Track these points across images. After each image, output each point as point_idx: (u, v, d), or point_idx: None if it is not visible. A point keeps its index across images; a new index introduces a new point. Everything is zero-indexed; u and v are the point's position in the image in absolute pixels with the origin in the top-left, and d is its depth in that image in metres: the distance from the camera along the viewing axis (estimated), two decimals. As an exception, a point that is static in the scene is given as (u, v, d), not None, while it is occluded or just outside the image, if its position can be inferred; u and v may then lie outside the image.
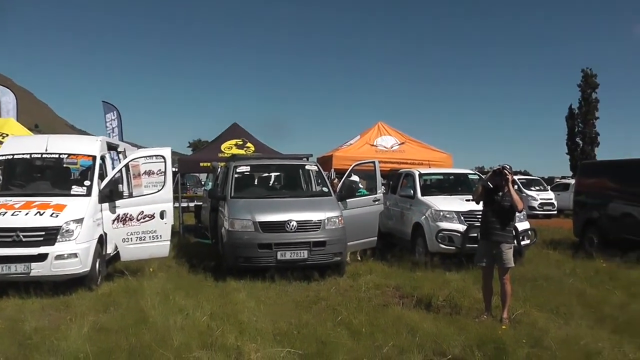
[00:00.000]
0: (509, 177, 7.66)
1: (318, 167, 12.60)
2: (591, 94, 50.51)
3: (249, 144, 17.36)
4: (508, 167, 7.74)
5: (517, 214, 11.90)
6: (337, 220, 10.62)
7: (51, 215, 8.96)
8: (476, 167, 60.41)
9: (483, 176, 11.62)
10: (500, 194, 7.67)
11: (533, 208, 27.62)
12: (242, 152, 16.73)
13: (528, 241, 11.94)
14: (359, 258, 12.54)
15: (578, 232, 15.37)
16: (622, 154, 73.92)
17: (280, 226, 10.26)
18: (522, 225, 11.70)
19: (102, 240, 9.71)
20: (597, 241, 14.12)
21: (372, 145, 17.72)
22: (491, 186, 7.79)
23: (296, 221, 10.30)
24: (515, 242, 10.04)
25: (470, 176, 14.45)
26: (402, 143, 17.99)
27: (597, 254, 12.78)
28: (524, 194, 27.92)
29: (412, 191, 13.16)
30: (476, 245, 8.69)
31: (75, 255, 8.87)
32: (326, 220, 10.50)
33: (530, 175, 36.71)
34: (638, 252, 11.71)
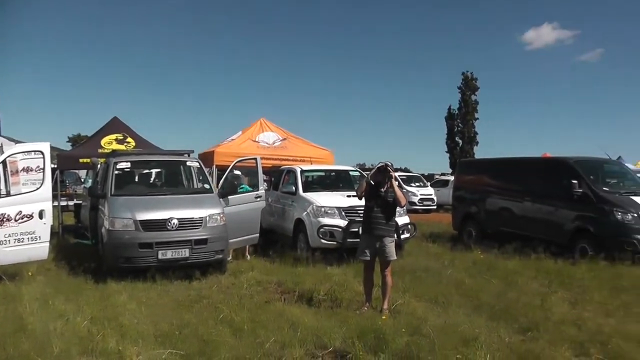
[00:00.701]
0: (392, 173, 7.88)
1: (199, 164, 12.38)
2: (471, 96, 52.90)
3: (129, 139, 16.80)
4: (390, 164, 7.93)
5: (398, 209, 12.22)
6: (218, 218, 10.46)
7: None
8: (358, 164, 61.66)
9: (365, 173, 11.83)
10: (383, 189, 7.83)
11: (413, 203, 28.72)
12: (122, 147, 16.14)
13: (408, 235, 12.32)
14: (249, 257, 12.38)
15: (457, 225, 16.15)
16: (499, 152, 78.12)
17: (162, 224, 9.97)
18: (402, 219, 12.02)
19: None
20: (476, 234, 15.07)
21: (254, 141, 17.56)
22: (372, 183, 7.93)
23: (177, 219, 10.04)
24: (395, 235, 10.46)
25: (351, 173, 14.69)
26: (284, 139, 17.98)
27: (475, 246, 13.47)
28: (405, 190, 28.93)
29: (294, 187, 13.17)
30: (357, 240, 8.87)
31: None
32: (208, 218, 10.31)
33: (411, 172, 37.91)
34: (514, 243, 12.42)
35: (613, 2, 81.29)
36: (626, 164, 27.22)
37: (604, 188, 12.47)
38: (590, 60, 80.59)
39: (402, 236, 11.70)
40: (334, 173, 15.07)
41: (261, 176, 12.36)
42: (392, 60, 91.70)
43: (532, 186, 13.63)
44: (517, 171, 14.51)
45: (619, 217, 11.52)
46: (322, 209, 11.80)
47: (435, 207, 29.41)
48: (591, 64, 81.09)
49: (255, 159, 12.50)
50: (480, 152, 52.04)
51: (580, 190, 12.09)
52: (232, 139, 17.88)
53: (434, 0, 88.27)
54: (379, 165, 7.96)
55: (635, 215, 11.50)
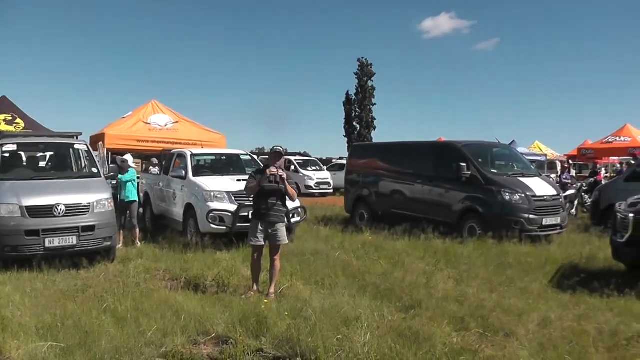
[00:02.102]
0: (281, 174, 7.83)
1: (87, 147, 11.94)
2: (367, 82, 53.67)
3: (18, 120, 16.22)
4: (282, 149, 8.00)
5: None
6: (106, 203, 10.09)
7: None
8: (257, 149, 61.53)
9: (263, 158, 11.70)
10: (275, 175, 7.80)
11: (310, 187, 29.12)
12: (11, 128, 15.62)
13: (298, 218, 12.34)
14: (139, 244, 12.04)
15: (349, 208, 16.51)
16: (397, 137, 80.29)
17: (48, 210, 9.50)
18: (293, 203, 12.01)
19: None
20: (367, 216, 15.46)
21: (146, 123, 17.28)
22: (262, 165, 8.01)
23: (64, 205, 9.58)
24: (286, 220, 10.48)
25: (242, 157, 14.59)
26: (176, 122, 17.75)
27: (366, 228, 13.86)
28: (301, 174, 29.14)
29: (184, 172, 12.91)
30: (247, 225, 8.94)
31: None
32: (95, 203, 9.91)
33: (310, 156, 38.18)
34: (405, 225, 12.92)
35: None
36: (520, 148, 28.77)
37: (492, 170, 13.16)
38: (486, 49, 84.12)
39: (293, 220, 11.72)
40: (224, 157, 14.93)
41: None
42: (291, 46, 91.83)
43: (423, 169, 14.13)
44: (409, 155, 14.98)
45: (507, 197, 12.17)
46: (212, 194, 11.63)
47: (331, 190, 29.70)
48: (487, 53, 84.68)
49: None
50: (378, 136, 53.09)
51: (469, 173, 12.71)
52: (124, 118, 17.46)
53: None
54: (275, 150, 8.00)
55: (523, 195, 12.17)
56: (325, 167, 32.71)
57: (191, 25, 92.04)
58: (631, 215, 8.09)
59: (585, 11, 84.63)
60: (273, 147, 8.02)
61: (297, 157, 32.94)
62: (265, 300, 7.04)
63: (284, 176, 7.81)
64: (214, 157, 15.05)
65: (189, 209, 12.23)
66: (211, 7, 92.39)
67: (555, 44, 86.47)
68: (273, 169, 7.74)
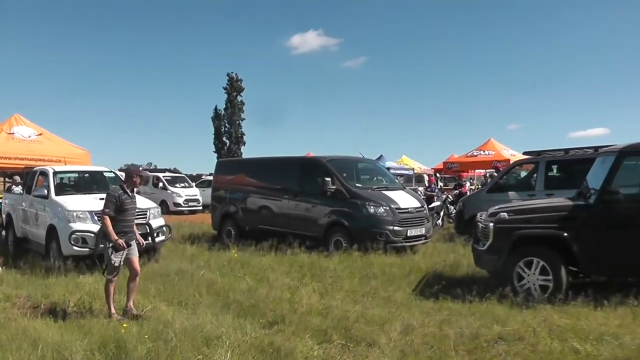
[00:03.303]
0: (137, 180, 7.97)
1: None
2: (236, 97, 53.67)
3: None
4: (136, 168, 8.16)
5: (152, 209, 11.97)
6: None
7: None
8: (126, 165, 59.66)
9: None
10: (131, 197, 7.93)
11: (178, 204, 28.77)
12: None
13: (163, 237, 12.07)
14: (0, 269, 11.23)
15: (216, 225, 16.39)
16: (266, 152, 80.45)
17: None
18: (157, 221, 11.89)
19: None
20: (235, 233, 15.42)
21: (9, 133, 16.35)
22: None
23: None
24: (150, 239, 10.53)
25: (105, 174, 14.07)
26: (40, 134, 16.90)
27: (233, 245, 13.83)
28: (169, 191, 28.59)
29: (46, 191, 12.25)
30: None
31: None
32: None
33: (179, 173, 37.63)
34: (271, 240, 13.02)
35: (375, 15, 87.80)
36: (387, 162, 29.63)
37: (357, 184, 13.62)
38: (353, 66, 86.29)
39: (157, 239, 11.48)
40: (87, 174, 14.35)
41: None
42: (160, 59, 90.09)
43: (289, 184, 14.33)
44: (275, 170, 15.14)
45: (371, 210, 12.55)
46: (74, 213, 11.14)
47: (200, 207, 29.25)
48: (355, 70, 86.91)
49: None
50: (248, 152, 53.22)
51: (334, 187, 13.02)
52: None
53: (199, 3, 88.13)
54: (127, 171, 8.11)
55: (387, 208, 12.59)
56: (194, 184, 32.25)
57: (61, 40, 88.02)
58: (491, 224, 8.48)
59: (448, 32, 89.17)
60: (128, 167, 7.87)
61: (166, 174, 32.29)
62: (125, 325, 6.82)
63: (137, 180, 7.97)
64: (77, 175, 14.47)
65: (51, 230, 11.62)
66: (79, 24, 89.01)
67: (420, 63, 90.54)
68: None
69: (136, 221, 8.23)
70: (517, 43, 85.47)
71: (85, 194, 12.45)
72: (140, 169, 8.08)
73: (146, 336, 6.33)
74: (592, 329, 6.37)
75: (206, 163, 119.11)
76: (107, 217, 7.70)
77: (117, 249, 7.60)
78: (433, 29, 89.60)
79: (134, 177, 7.97)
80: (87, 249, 10.88)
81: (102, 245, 8.76)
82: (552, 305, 7.48)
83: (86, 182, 13.92)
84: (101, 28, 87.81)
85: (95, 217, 11.06)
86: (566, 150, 13.95)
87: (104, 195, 11.09)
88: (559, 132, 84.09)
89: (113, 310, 7.68)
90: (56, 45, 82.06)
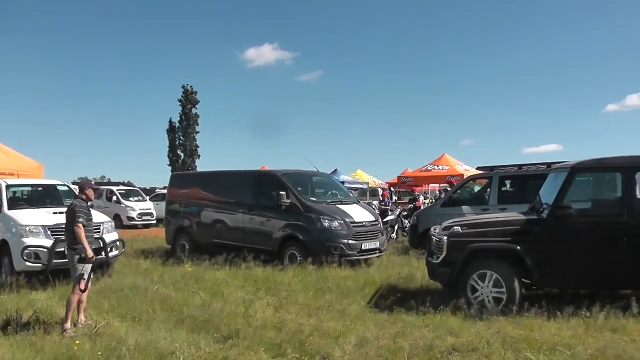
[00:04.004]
0: (90, 193, 8.08)
1: None
2: (192, 110, 53.32)
3: None
4: (87, 182, 8.42)
5: (106, 223, 11.80)
6: None
7: None
8: (80, 178, 58.69)
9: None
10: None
11: (132, 219, 28.27)
12: None
13: (117, 252, 11.85)
14: None
15: (171, 240, 16.14)
16: (221, 165, 79.46)
17: None
18: (111, 236, 11.66)
19: None
20: (189, 247, 15.25)
21: None
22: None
23: None
24: (104, 254, 10.24)
25: (59, 188, 13.80)
26: (-9, 147, 16.45)
27: (187, 259, 13.66)
28: (123, 205, 28.18)
29: None
30: (64, 261, 8.77)
31: None
32: None
33: (134, 186, 37.15)
34: (225, 255, 12.93)
35: (331, 29, 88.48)
36: (342, 176, 29.73)
37: (312, 198, 13.59)
38: (309, 80, 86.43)
39: (111, 254, 11.25)
40: (41, 188, 14.05)
41: None
42: (112, 72, 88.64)
43: (244, 198, 14.26)
44: (230, 184, 15.06)
45: (326, 224, 12.57)
46: (27, 228, 10.85)
47: (155, 221, 28.85)
48: (310, 84, 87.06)
49: None
50: (203, 165, 52.77)
51: (289, 201, 13.01)
52: None
53: (153, 11, 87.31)
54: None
55: (342, 222, 12.62)
56: (148, 198, 31.85)
57: (13, 51, 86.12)
58: (445, 238, 8.56)
59: (404, 48, 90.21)
60: (81, 181, 7.84)
61: (120, 187, 31.85)
62: (78, 342, 6.72)
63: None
64: (30, 188, 14.18)
65: (4, 245, 11.28)
66: (30, 34, 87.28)
67: (376, 78, 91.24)
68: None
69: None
70: (472, 60, 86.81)
71: (38, 208, 12.16)
72: (93, 182, 8.01)
73: (99, 353, 6.30)
74: (546, 340, 6.48)
75: (161, 176, 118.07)
76: (81, 228, 7.66)
77: (88, 261, 7.57)
78: (388, 45, 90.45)
79: (87, 190, 8.00)
80: (40, 265, 10.61)
81: (65, 260, 8.68)
82: (505, 317, 7.60)
83: (40, 196, 13.65)
84: (54, 38, 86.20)
85: (49, 232, 10.85)
86: (519, 166, 14.24)
87: (57, 210, 11.05)
88: (512, 148, 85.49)
89: (69, 326, 7.53)
90: (7, 55, 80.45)
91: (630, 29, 76.93)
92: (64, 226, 8.91)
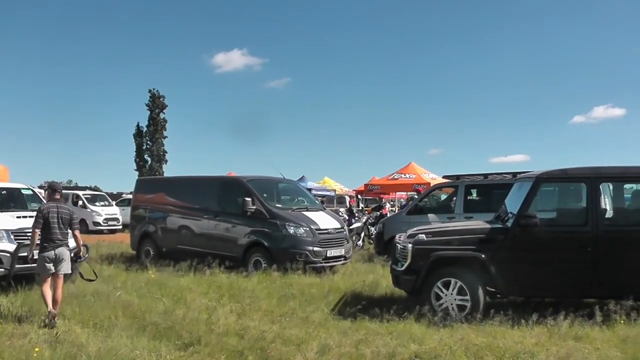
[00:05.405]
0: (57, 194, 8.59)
1: None
2: (159, 114, 52.98)
3: None
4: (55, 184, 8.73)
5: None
6: None
7: None
8: (45, 182, 57.76)
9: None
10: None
11: (98, 223, 28.02)
12: None
13: (81, 257, 11.61)
14: None
15: (135, 245, 15.95)
16: (189, 170, 79.29)
17: None
18: (74, 241, 11.39)
19: None
20: (153, 253, 15.06)
21: None
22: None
23: None
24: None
25: (23, 191, 13.59)
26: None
27: (151, 265, 13.44)
28: (89, 209, 27.83)
29: None
30: (27, 266, 9.10)
31: None
32: None
33: (100, 191, 36.78)
34: (190, 261, 12.75)
35: (300, 36, 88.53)
36: (309, 183, 29.76)
37: (277, 205, 13.56)
38: (278, 87, 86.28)
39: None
40: (5, 191, 13.81)
41: None
42: (78, 75, 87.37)
43: (209, 204, 14.16)
44: (195, 189, 14.98)
45: (291, 230, 12.54)
46: None
47: (120, 226, 28.54)
48: (279, 91, 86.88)
49: None
50: (170, 170, 52.45)
51: (254, 207, 12.94)
52: None
53: (121, 13, 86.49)
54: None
55: (307, 228, 12.59)
56: (114, 202, 31.52)
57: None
58: (410, 245, 8.55)
59: (371, 56, 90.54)
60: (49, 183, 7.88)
61: (86, 192, 31.42)
62: (37, 349, 6.58)
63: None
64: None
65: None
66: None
67: (344, 86, 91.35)
68: None
69: None
70: (439, 69, 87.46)
71: (2, 211, 11.89)
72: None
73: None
74: (509, 347, 6.48)
75: (127, 181, 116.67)
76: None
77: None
78: (357, 53, 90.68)
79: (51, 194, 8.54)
80: (3, 270, 10.36)
81: (28, 265, 8.89)
82: (469, 324, 7.62)
83: (3, 200, 13.43)
84: (17, 39, 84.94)
85: (12, 236, 10.60)
86: (485, 175, 14.36)
87: (21, 213, 10.77)
88: (480, 157, 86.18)
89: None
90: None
91: (597, 41, 78.37)
92: (27, 230, 8.84)
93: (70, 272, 8.84)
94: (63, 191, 9.05)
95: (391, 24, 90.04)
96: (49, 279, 8.45)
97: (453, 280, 8.21)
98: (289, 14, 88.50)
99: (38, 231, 8.30)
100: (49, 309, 8.13)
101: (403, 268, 8.64)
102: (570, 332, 7.23)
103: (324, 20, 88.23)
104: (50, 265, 8.39)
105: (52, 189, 8.78)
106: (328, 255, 12.69)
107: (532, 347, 6.56)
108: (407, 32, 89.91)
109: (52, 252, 8.39)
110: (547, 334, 7.15)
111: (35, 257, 8.43)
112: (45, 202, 8.95)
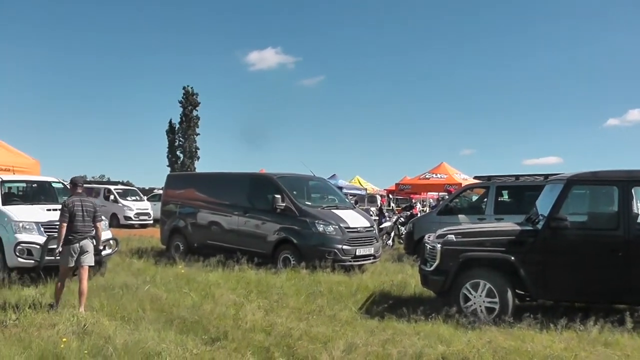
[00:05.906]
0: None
1: None
2: (192, 111, 53.44)
3: None
4: (79, 178, 8.81)
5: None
6: None
7: None
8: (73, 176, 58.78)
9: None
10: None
11: (129, 218, 28.29)
12: None
13: (110, 251, 11.73)
14: None
15: (165, 240, 16.10)
16: (220, 167, 79.36)
17: None
18: (104, 235, 11.49)
19: None
20: (183, 248, 15.18)
21: None
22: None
23: None
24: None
25: (54, 184, 13.75)
26: (-12, 142, 16.37)
27: (180, 260, 13.61)
28: (120, 204, 28.17)
29: None
30: (55, 258, 8.95)
31: None
32: None
33: (132, 186, 37.20)
34: (219, 256, 12.87)
35: (334, 35, 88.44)
36: (340, 181, 29.71)
37: (307, 202, 13.59)
38: (311, 85, 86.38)
39: (104, 252, 11.09)
40: (35, 184, 13.99)
41: None
42: (112, 71, 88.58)
43: (239, 200, 14.24)
44: (225, 186, 15.04)
45: (320, 228, 12.54)
46: (20, 224, 10.80)
47: (151, 221, 28.81)
48: (312, 89, 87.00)
49: None
50: (202, 166, 52.98)
51: (284, 204, 12.99)
52: None
53: (156, 10, 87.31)
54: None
55: (336, 226, 12.56)
56: (145, 197, 31.87)
57: (12, 47, 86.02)
58: (438, 245, 8.49)
59: (407, 56, 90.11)
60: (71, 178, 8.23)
61: (117, 187, 31.84)
62: (64, 340, 6.65)
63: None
64: (24, 185, 14.14)
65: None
66: (30, 30, 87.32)
67: (378, 85, 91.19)
68: None
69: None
70: (475, 69, 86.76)
71: (32, 204, 12.12)
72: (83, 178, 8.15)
73: (85, 351, 6.23)
74: (537, 352, 6.38)
75: (160, 177, 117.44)
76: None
77: None
78: (391, 52, 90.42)
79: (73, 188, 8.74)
80: (33, 261, 10.54)
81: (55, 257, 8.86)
82: (497, 327, 7.51)
83: (34, 193, 13.59)
84: (54, 35, 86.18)
85: (42, 229, 10.80)
86: (517, 177, 14.20)
87: (51, 206, 10.95)
88: (512, 159, 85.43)
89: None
90: (7, 51, 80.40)
91: (634, 44, 76.97)
92: (57, 223, 8.96)
93: (93, 264, 8.97)
94: (95, 186, 9.20)
95: (426, 21, 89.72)
96: (69, 274, 8.72)
97: (482, 282, 8.13)
98: (323, 13, 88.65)
99: (65, 224, 8.43)
100: (56, 306, 8.42)
101: (432, 268, 8.59)
102: (600, 338, 7.11)
103: (358, 19, 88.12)
104: (73, 258, 8.55)
105: (73, 183, 8.88)
106: (357, 253, 12.65)
107: (561, 352, 6.45)
108: (444, 29, 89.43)
109: (77, 244, 8.53)
110: (577, 339, 7.03)
111: (60, 249, 8.57)
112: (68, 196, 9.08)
